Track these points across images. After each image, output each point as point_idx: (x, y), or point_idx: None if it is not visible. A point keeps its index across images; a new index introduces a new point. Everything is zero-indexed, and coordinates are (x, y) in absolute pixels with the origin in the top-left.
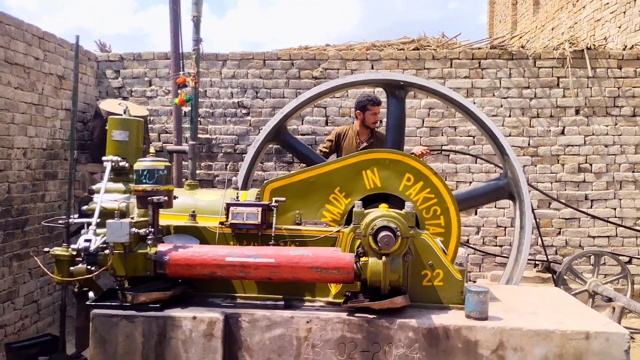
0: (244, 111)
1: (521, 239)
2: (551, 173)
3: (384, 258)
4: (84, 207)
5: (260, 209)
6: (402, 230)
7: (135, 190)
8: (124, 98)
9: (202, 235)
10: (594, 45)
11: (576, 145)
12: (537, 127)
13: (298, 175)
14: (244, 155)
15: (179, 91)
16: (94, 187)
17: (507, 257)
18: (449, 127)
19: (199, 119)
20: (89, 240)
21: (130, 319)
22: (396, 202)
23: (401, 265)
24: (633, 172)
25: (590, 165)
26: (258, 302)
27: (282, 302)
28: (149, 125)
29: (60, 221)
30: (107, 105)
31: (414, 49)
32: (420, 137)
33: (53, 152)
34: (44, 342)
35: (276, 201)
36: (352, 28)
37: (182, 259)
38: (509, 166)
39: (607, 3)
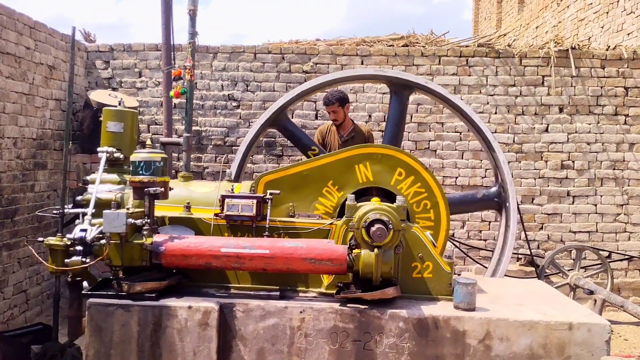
0: (234, 104)
1: (506, 236)
2: (534, 169)
3: (375, 250)
4: (79, 198)
5: (255, 201)
6: (394, 223)
7: (131, 181)
8: (114, 89)
9: (196, 227)
10: (578, 45)
11: (559, 143)
12: (522, 125)
13: (292, 168)
14: (234, 147)
15: (174, 84)
16: (88, 177)
17: (492, 251)
18: (437, 122)
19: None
20: (84, 230)
21: (126, 308)
22: (387, 196)
23: (392, 257)
24: (614, 169)
25: (573, 162)
26: (252, 292)
27: (277, 293)
28: (139, 117)
29: (54, 211)
30: (97, 95)
31: (403, 46)
32: (408, 132)
33: (43, 142)
34: (36, 331)
35: (271, 194)
36: (339, 21)
37: (178, 250)
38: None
39: (591, 3)
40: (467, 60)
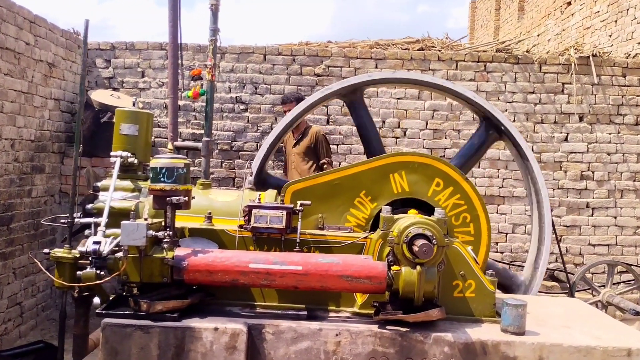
0: (241, 107)
1: (540, 250)
2: (553, 180)
3: (418, 267)
4: (89, 206)
5: (284, 212)
6: (438, 239)
7: (151, 189)
8: (115, 89)
9: (219, 239)
10: (599, 52)
11: (579, 153)
12: (541, 133)
13: (322, 177)
14: (241, 152)
15: (193, 84)
16: (98, 184)
17: (508, 264)
18: (453, 130)
19: (193, 113)
20: (98, 243)
21: (145, 330)
22: (424, 207)
23: (436, 275)
24: (634, 180)
25: (593, 173)
26: (279, 311)
27: (305, 312)
28: None
29: (61, 220)
30: (99, 96)
31: (418, 49)
32: (424, 140)
33: (41, 144)
34: (38, 349)
35: (301, 204)
36: (325, 27)
37: (203, 265)
38: (529, 172)
39: (598, 12)
40: (485, 66)
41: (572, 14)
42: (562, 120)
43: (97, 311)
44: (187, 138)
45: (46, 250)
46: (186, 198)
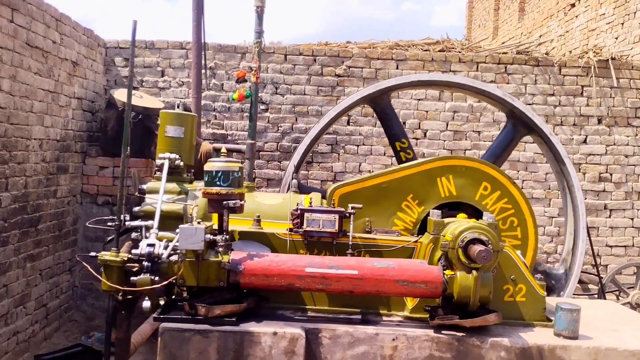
0: (262, 107)
1: (574, 254)
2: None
3: (474, 272)
4: (136, 209)
5: (337, 216)
6: (493, 243)
7: (207, 193)
8: (135, 88)
9: (269, 242)
10: (617, 55)
11: (597, 155)
12: (561, 135)
13: (369, 180)
14: (261, 153)
15: (238, 86)
16: (144, 186)
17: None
18: (473, 131)
19: (213, 113)
20: (152, 246)
21: (204, 334)
22: (470, 211)
23: (491, 280)
24: None
25: (611, 175)
26: (331, 315)
27: (358, 317)
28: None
29: (108, 223)
30: (122, 95)
31: (439, 51)
32: (444, 141)
33: (65, 144)
34: (77, 353)
35: (352, 208)
36: (315, 25)
37: (259, 269)
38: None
39: (604, 14)
40: (505, 68)
41: (577, 16)
42: (581, 122)
43: (154, 316)
44: (207, 138)
45: (93, 253)
46: (242, 202)
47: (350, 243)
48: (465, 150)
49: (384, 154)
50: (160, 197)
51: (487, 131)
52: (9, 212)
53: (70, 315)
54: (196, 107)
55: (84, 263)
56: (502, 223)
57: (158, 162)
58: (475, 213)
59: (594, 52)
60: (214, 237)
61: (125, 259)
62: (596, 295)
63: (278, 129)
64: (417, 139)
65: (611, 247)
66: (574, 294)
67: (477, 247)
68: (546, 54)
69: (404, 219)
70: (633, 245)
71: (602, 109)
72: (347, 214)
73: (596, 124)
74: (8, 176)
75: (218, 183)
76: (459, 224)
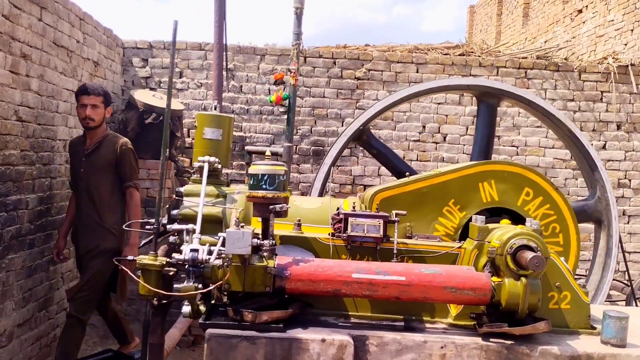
0: (281, 109)
1: (606, 262)
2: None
3: (523, 279)
4: (174, 212)
5: (382, 221)
6: (542, 250)
7: (253, 197)
8: (152, 89)
9: (310, 247)
10: (637, 61)
11: (616, 161)
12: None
13: (410, 184)
14: (279, 156)
15: (275, 88)
16: (182, 189)
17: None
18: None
19: (232, 115)
20: (195, 250)
21: (251, 341)
22: (512, 217)
23: (540, 287)
24: None
25: (629, 181)
26: (374, 322)
27: (401, 323)
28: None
29: (147, 226)
30: (142, 96)
31: (460, 55)
32: (464, 145)
33: None
34: (108, 358)
35: (397, 214)
36: (309, 27)
37: (305, 274)
38: (599, 186)
39: (612, 20)
40: (525, 73)
41: (584, 22)
42: (600, 128)
43: (200, 322)
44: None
45: (130, 257)
46: (288, 205)
47: (395, 249)
48: None
49: (404, 157)
50: (201, 200)
51: (507, 136)
52: (35, 214)
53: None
54: (219, 110)
55: (122, 267)
56: (545, 229)
57: (196, 164)
58: (513, 219)
59: (613, 58)
60: (260, 242)
61: (164, 262)
62: (624, 302)
63: (297, 132)
64: (436, 143)
65: (629, 253)
66: None
67: (529, 254)
68: (565, 59)
69: (445, 225)
70: (624, 250)
71: (622, 114)
72: (393, 220)
73: (615, 130)
74: (35, 177)
75: (264, 186)
76: (505, 230)
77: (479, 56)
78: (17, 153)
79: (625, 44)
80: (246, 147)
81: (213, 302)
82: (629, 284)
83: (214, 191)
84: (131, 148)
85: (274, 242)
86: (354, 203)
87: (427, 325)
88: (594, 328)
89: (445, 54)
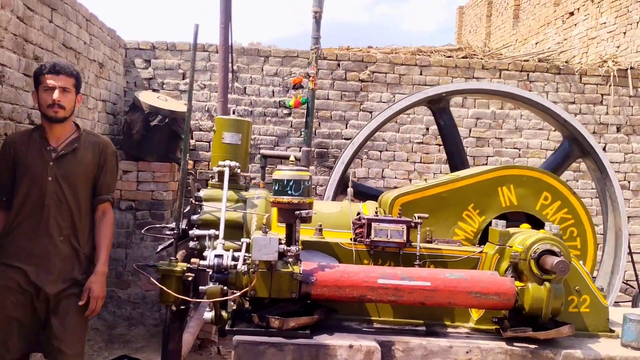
0: (285, 111)
1: (615, 264)
2: (592, 189)
3: (547, 284)
4: (194, 217)
5: (405, 226)
6: (565, 254)
7: (278, 202)
8: (155, 90)
9: (332, 252)
10: (636, 65)
11: (616, 163)
12: None
13: (430, 189)
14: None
15: (294, 92)
16: (201, 194)
17: None
18: (496, 138)
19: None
20: (220, 256)
21: (279, 347)
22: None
23: (563, 291)
24: None
25: (629, 182)
26: (396, 327)
27: (423, 328)
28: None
29: (167, 231)
30: (147, 97)
31: (462, 57)
32: (467, 147)
33: None
34: None
35: (419, 217)
36: (284, 26)
37: (331, 280)
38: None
39: (604, 22)
40: (528, 75)
41: (575, 24)
42: (600, 130)
43: (226, 328)
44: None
45: (151, 263)
46: (313, 211)
47: (418, 254)
48: (487, 156)
49: (407, 159)
50: (223, 205)
51: (509, 138)
52: None
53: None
54: (222, 111)
55: (144, 273)
56: (562, 233)
57: (215, 169)
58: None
59: (613, 62)
60: (287, 248)
61: (185, 268)
62: (630, 304)
63: (301, 134)
64: (439, 145)
65: (629, 254)
66: None
67: (553, 259)
68: (566, 62)
69: (465, 229)
70: (631, 252)
71: (621, 117)
72: (415, 224)
73: (615, 132)
74: None
75: (289, 192)
76: (528, 234)
77: (481, 59)
78: None
79: (618, 47)
80: (261, 151)
81: (234, 308)
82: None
83: (233, 196)
84: (116, 152)
85: (299, 248)
86: (376, 208)
87: (450, 330)
88: (613, 331)
89: (449, 57)
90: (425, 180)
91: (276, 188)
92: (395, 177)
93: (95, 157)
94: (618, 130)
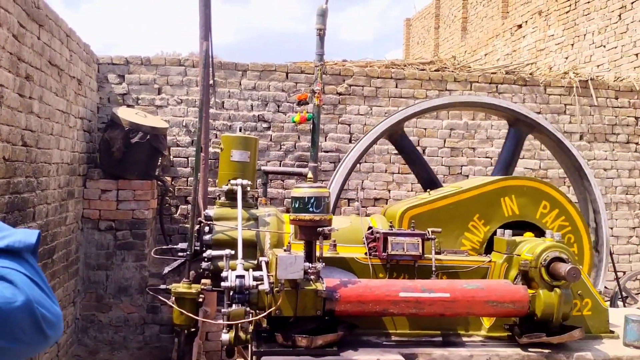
0: (264, 125)
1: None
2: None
3: (557, 290)
4: (207, 237)
5: (420, 239)
6: (572, 261)
7: (299, 220)
8: (129, 106)
9: (348, 267)
10: (595, 76)
11: None
12: (547, 151)
13: (437, 201)
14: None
15: (299, 108)
16: (211, 213)
17: None
18: (469, 148)
19: (214, 132)
20: (241, 277)
21: None
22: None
23: (572, 296)
24: (626, 194)
25: None
26: (414, 338)
27: (439, 338)
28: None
29: (179, 252)
30: (126, 114)
31: (435, 70)
32: (442, 157)
33: (72, 166)
34: None
35: (432, 232)
36: (220, 36)
37: (354, 296)
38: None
39: (552, 35)
40: (497, 87)
41: (524, 36)
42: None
43: (254, 349)
44: (210, 158)
45: (163, 286)
46: (335, 228)
47: (434, 266)
48: (462, 166)
49: (385, 171)
50: (239, 225)
51: (481, 147)
52: None
53: (72, 350)
54: (205, 127)
55: (160, 297)
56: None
57: (224, 187)
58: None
59: (574, 73)
60: (311, 265)
61: (199, 290)
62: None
63: (281, 147)
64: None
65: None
66: None
67: (565, 266)
68: (531, 74)
69: (471, 239)
70: (612, 253)
71: (583, 125)
72: (430, 238)
73: (578, 140)
74: (35, 204)
75: (311, 209)
76: (534, 243)
77: (452, 71)
78: (23, 180)
79: (567, 58)
80: (262, 167)
81: (252, 328)
82: (619, 285)
83: (244, 214)
84: None
85: (323, 264)
86: (390, 222)
87: (465, 339)
88: (613, 332)
89: (422, 70)
90: (429, 192)
91: (296, 205)
92: (375, 188)
93: None
94: (581, 138)
